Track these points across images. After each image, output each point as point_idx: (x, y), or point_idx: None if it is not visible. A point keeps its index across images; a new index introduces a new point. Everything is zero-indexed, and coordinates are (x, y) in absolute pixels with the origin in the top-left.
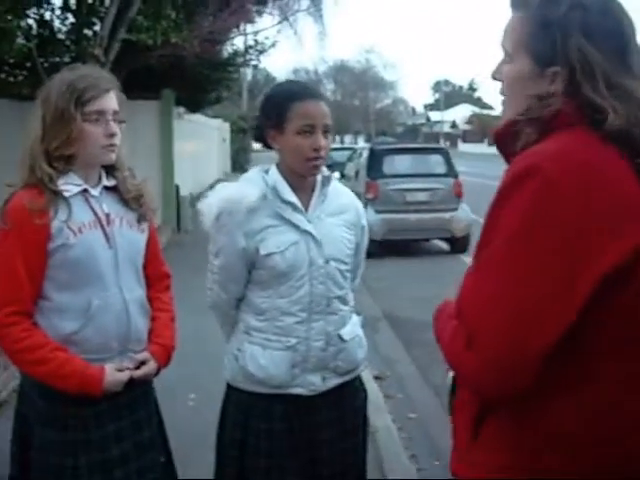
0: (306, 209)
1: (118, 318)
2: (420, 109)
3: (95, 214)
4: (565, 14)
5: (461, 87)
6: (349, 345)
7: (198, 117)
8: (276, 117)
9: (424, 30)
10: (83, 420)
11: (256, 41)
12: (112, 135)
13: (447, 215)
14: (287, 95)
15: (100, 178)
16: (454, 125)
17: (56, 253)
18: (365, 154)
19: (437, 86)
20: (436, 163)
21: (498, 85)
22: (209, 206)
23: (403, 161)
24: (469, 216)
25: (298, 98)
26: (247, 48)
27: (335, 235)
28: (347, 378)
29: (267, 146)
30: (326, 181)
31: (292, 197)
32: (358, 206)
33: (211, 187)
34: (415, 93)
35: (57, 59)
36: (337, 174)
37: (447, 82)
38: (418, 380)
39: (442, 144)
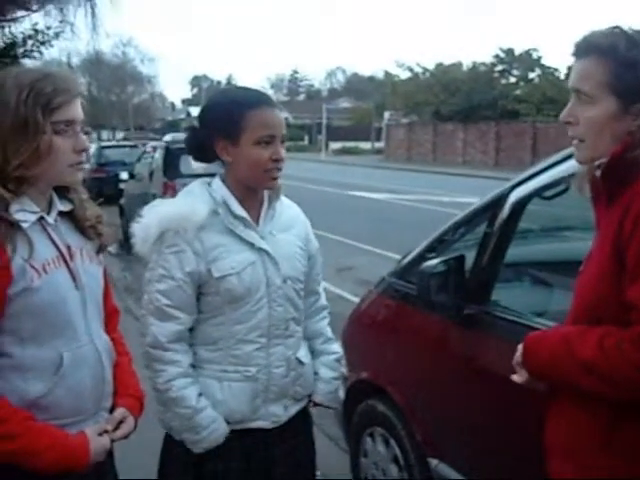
0: (256, 225)
1: (93, 373)
2: (179, 104)
3: (57, 247)
4: None
5: (219, 82)
6: (306, 368)
7: None
8: (229, 127)
9: (182, 24)
10: None
11: (36, 31)
12: (83, 150)
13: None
14: (241, 103)
15: (51, 201)
16: None
17: (17, 299)
18: (159, 153)
19: (195, 81)
20: None
21: (258, 79)
22: (146, 227)
23: None
24: None
25: (254, 106)
26: (25, 38)
27: (290, 252)
28: (303, 404)
29: (206, 159)
30: (275, 195)
31: (243, 212)
32: (305, 218)
33: None
34: (173, 88)
35: None
36: (125, 175)
37: (206, 77)
38: None
39: None
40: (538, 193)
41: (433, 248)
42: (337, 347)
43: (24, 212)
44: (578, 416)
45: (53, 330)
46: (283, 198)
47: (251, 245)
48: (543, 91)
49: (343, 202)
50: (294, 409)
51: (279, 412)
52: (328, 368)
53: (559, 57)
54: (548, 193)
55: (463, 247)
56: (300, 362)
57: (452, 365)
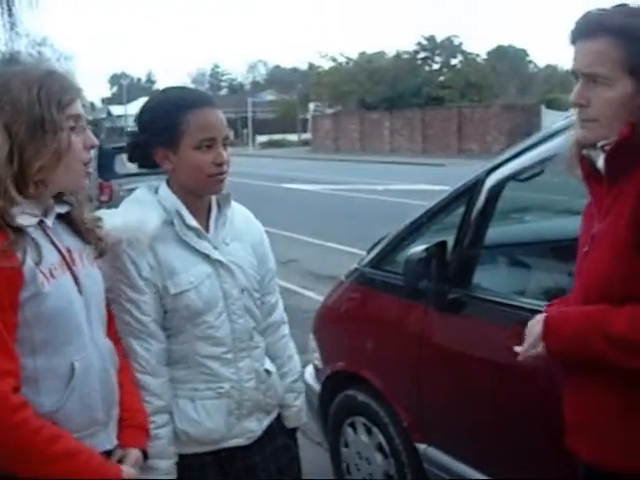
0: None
1: (102, 381)
2: (99, 103)
3: (59, 251)
4: None
5: (139, 79)
6: (273, 378)
7: None
8: (167, 132)
9: (98, 21)
10: None
11: None
12: (92, 147)
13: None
14: (177, 105)
15: (48, 203)
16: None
17: (27, 305)
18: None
19: (114, 79)
20: None
21: (179, 75)
22: None
23: None
24: None
25: (192, 107)
26: None
27: (244, 262)
28: (275, 415)
29: (150, 166)
30: (225, 201)
31: (194, 222)
32: (258, 224)
33: None
34: (92, 87)
35: None
36: None
37: (125, 75)
38: None
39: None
40: (514, 177)
41: (407, 236)
42: (296, 364)
43: (25, 215)
44: (604, 391)
45: (63, 338)
46: (234, 203)
47: (206, 257)
48: (466, 76)
49: (279, 195)
50: (266, 422)
51: (253, 427)
52: (290, 392)
53: (479, 43)
54: (523, 176)
55: (437, 233)
56: (268, 373)
57: (437, 350)
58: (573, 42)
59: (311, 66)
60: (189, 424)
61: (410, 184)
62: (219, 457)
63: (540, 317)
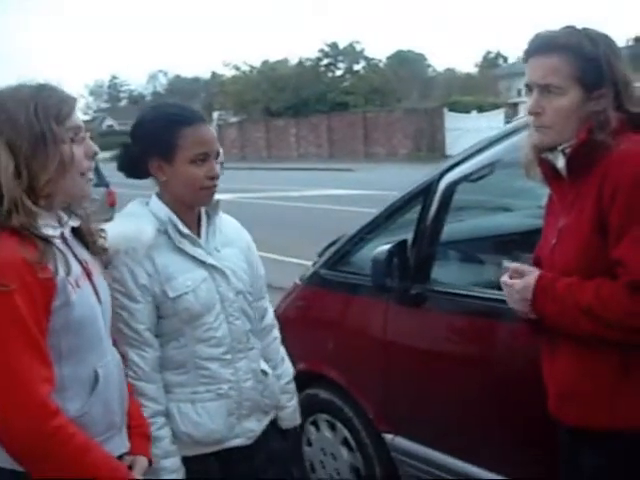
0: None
1: (119, 388)
2: None
3: (79, 262)
4: (605, 51)
5: None
6: (270, 379)
7: None
8: (164, 145)
9: None
10: None
11: None
12: (94, 155)
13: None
14: (174, 120)
15: (60, 216)
16: None
17: (57, 314)
18: None
19: None
20: None
21: (77, 86)
22: None
23: None
24: None
25: (188, 123)
26: None
27: (237, 266)
28: (273, 415)
29: (138, 177)
30: (214, 210)
31: (187, 230)
32: (245, 232)
33: None
34: None
35: None
36: None
37: None
38: None
39: None
40: (466, 178)
41: (365, 236)
42: (288, 366)
43: (46, 227)
44: (587, 361)
45: (88, 346)
46: (221, 213)
47: (201, 262)
48: (369, 82)
49: None
50: (265, 422)
51: (254, 427)
52: (285, 393)
53: (380, 48)
54: (474, 177)
55: (394, 232)
56: (264, 373)
57: (401, 343)
58: (526, 59)
59: (214, 75)
60: (192, 426)
61: (322, 189)
62: (222, 457)
63: (531, 281)
